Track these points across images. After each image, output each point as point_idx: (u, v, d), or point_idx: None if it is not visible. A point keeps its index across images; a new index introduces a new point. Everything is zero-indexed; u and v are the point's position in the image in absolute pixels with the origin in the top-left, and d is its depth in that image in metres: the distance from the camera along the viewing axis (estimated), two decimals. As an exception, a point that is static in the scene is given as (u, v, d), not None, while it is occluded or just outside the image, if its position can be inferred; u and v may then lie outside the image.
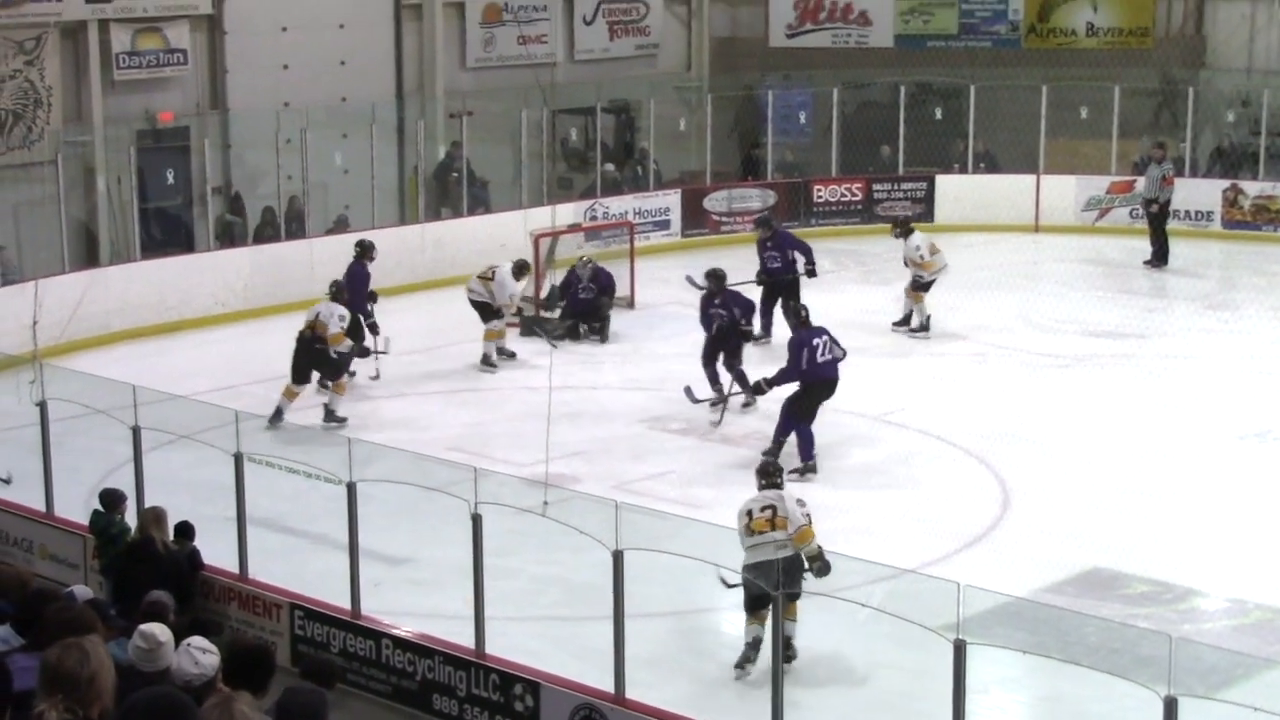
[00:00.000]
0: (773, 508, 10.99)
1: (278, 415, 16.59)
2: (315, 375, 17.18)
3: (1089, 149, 26.76)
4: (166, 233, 23.02)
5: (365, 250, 18.87)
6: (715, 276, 17.70)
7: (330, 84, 25.05)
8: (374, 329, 18.21)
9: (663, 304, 22.06)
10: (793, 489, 11.67)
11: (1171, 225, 24.45)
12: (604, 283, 20.87)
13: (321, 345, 16.85)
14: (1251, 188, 25.85)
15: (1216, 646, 10.84)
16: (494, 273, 19.17)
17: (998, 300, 22.04)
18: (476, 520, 10.10)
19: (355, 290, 18.19)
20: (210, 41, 23.87)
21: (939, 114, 27.27)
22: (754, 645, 10.88)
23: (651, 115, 26.89)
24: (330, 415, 16.84)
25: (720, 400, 16.80)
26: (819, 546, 10.83)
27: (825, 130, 27.58)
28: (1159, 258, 24.03)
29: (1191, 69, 27.64)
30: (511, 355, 19.35)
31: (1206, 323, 21.14)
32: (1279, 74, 27.40)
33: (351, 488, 10.76)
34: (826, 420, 16.64)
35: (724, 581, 10.74)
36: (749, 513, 11.04)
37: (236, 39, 24.04)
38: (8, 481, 13.59)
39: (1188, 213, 25.66)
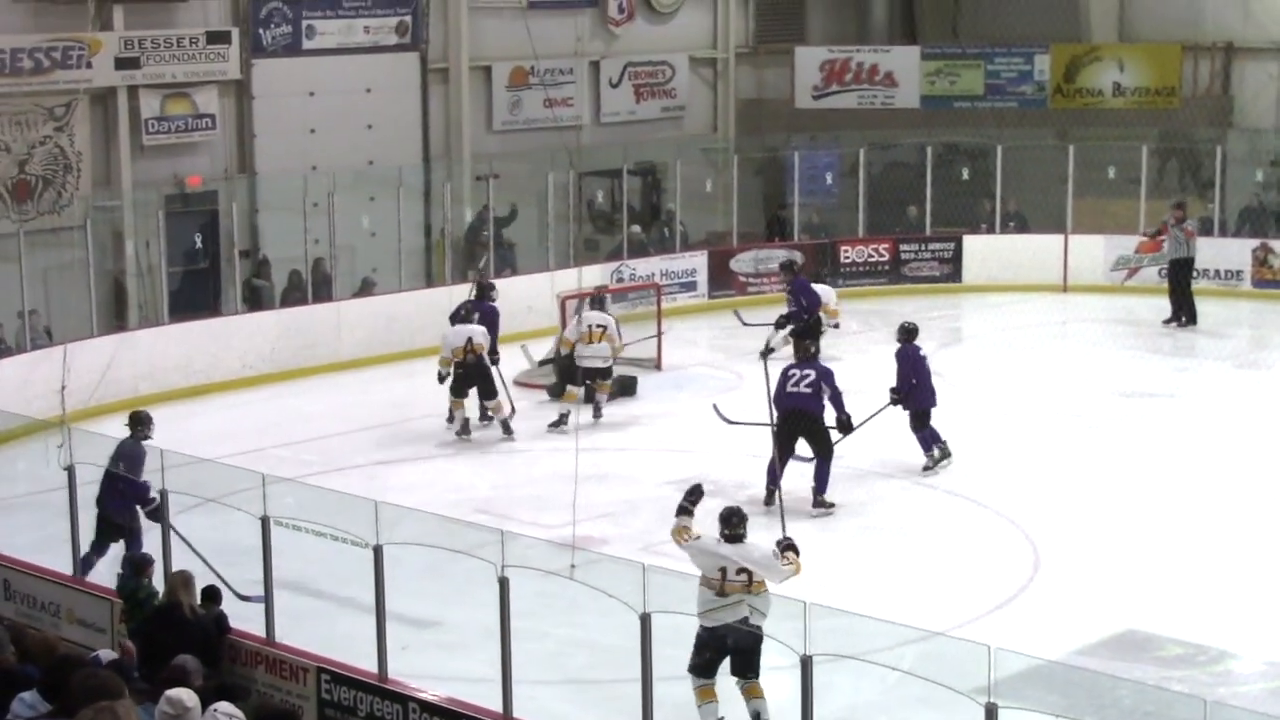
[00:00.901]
0: (748, 573, 10.70)
1: (464, 427, 18.54)
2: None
3: (1117, 208, 26.70)
4: (194, 296, 23.09)
5: (485, 290, 19.59)
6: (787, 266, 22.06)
7: (357, 148, 25.15)
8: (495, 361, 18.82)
9: (689, 365, 22.02)
10: (760, 537, 11.36)
11: (1201, 285, 24.36)
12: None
13: (484, 363, 18.32)
14: (1281, 246, 25.78)
15: (1252, 710, 10.67)
16: (604, 330, 19.16)
17: (1026, 360, 21.99)
18: (504, 583, 10.03)
19: (496, 327, 19.07)
20: (238, 106, 24.03)
21: (966, 174, 27.29)
22: None
23: (678, 177, 26.90)
24: (506, 427, 18.53)
25: (940, 458, 16.99)
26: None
27: (851, 183, 27.61)
28: (1179, 317, 23.86)
29: (1219, 128, 27.60)
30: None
31: (1237, 382, 21.02)
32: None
33: (378, 550, 10.70)
34: (856, 480, 16.61)
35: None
36: (722, 570, 10.73)
37: (264, 104, 24.20)
38: None
39: (1217, 272, 25.59)
